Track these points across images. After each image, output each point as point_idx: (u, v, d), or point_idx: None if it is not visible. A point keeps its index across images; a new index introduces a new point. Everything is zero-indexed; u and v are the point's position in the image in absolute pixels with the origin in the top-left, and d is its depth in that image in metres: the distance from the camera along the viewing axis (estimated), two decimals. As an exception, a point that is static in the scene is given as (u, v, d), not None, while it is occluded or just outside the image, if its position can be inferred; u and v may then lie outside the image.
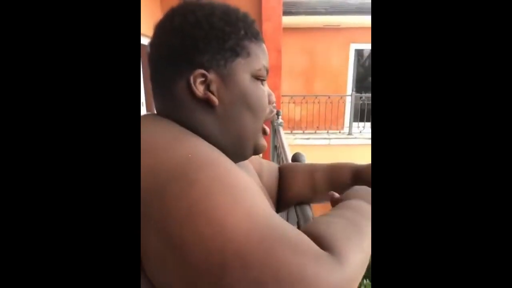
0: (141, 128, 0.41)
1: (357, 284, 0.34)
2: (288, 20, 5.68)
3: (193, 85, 0.45)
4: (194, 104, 0.46)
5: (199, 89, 0.46)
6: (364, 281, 4.45)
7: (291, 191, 0.70)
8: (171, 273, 0.33)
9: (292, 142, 5.57)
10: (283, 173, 0.73)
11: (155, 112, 0.51)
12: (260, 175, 0.69)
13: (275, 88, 3.35)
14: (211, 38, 0.45)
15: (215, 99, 0.46)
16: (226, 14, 0.47)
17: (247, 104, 0.48)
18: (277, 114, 2.19)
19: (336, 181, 0.65)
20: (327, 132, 6.18)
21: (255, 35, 0.49)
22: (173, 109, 0.47)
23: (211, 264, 0.31)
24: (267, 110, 0.53)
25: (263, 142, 0.54)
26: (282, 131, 1.84)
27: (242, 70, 0.48)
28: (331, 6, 5.84)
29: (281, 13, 3.61)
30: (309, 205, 0.69)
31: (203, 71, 0.45)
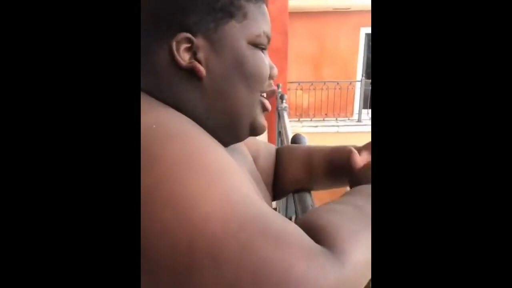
0: None
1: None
2: (296, 4, 5.53)
3: (175, 51, 0.38)
4: (177, 75, 0.39)
5: (183, 57, 0.38)
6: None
7: (287, 175, 0.63)
8: None
9: (299, 130, 5.50)
10: (280, 156, 0.66)
11: None
12: (256, 158, 0.61)
13: (281, 72, 3.27)
14: None
15: (202, 69, 0.39)
16: None
17: (242, 75, 0.41)
18: (281, 98, 2.12)
19: (335, 165, 0.57)
20: (336, 120, 6.08)
21: None
22: (151, 82, 0.40)
23: (176, 262, 0.25)
24: (266, 83, 0.44)
25: (261, 120, 0.46)
26: (286, 116, 1.76)
27: (237, 35, 0.40)
28: (341, -12, 5.67)
29: (288, -6, 3.50)
30: (309, 192, 0.62)
31: (188, 35, 0.38)
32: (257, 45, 0.42)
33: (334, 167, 0.57)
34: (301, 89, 5.85)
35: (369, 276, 0.29)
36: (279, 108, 2.06)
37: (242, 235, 0.26)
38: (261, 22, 0.42)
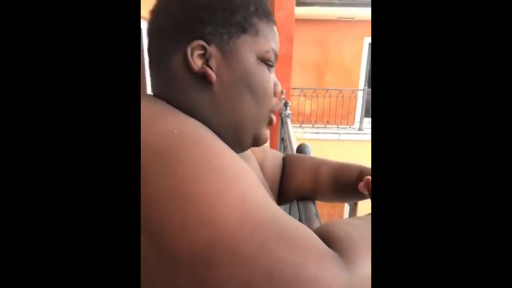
0: None
1: None
2: (301, 11, 5.58)
3: (189, 56, 0.41)
4: (190, 79, 0.42)
5: (196, 62, 0.41)
6: None
7: (293, 183, 0.65)
8: (149, 264, 0.29)
9: (301, 136, 5.50)
10: (287, 163, 0.68)
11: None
12: (262, 165, 0.63)
13: (285, 78, 3.27)
14: (217, 9, 0.41)
15: (212, 74, 0.42)
16: None
17: (249, 86, 0.44)
18: (285, 104, 2.13)
19: (341, 180, 0.60)
20: (337, 127, 6.08)
21: (266, 14, 0.45)
22: (166, 86, 0.43)
23: (195, 257, 0.27)
24: (273, 100, 0.48)
25: (265, 133, 0.49)
26: (289, 123, 1.77)
27: (248, 49, 0.43)
28: (346, -3, 5.69)
29: (294, 1, 3.52)
30: (314, 202, 0.62)
31: (203, 42, 0.41)
32: (265, 61, 0.45)
33: (341, 183, 0.59)
34: (304, 95, 5.85)
35: None
36: (282, 115, 2.06)
37: (257, 235, 0.27)
38: (271, 40, 0.45)
